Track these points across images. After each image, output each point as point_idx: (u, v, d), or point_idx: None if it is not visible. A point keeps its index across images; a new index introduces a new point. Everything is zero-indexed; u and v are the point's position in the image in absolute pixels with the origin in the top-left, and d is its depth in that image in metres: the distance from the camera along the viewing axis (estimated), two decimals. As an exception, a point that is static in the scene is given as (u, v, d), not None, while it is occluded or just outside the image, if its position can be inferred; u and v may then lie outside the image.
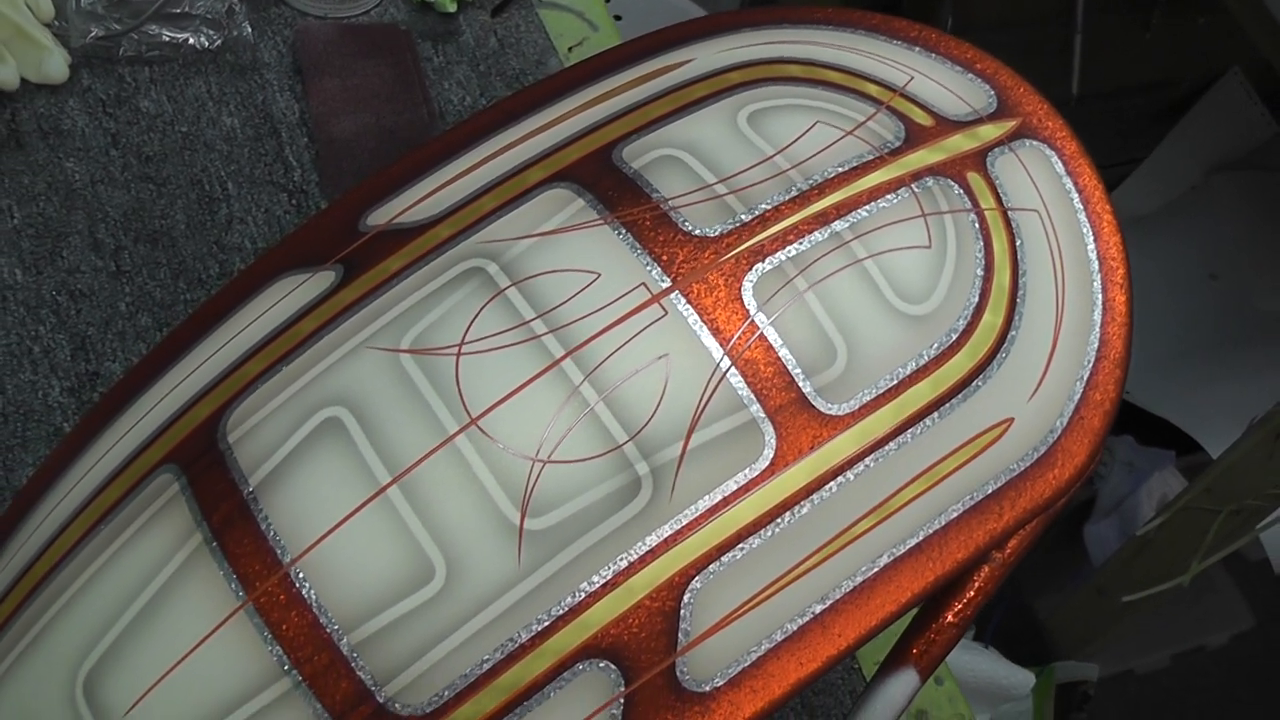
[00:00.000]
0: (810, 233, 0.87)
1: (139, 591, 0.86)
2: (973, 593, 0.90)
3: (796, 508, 0.84)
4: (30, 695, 0.88)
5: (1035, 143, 0.97)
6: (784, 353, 0.84)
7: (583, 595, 0.82)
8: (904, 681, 0.91)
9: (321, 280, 0.91)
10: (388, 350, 0.85)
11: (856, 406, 0.85)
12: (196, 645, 0.84)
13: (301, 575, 0.82)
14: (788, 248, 0.86)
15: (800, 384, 0.84)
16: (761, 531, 0.83)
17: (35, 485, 0.96)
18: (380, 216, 0.93)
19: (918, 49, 1.02)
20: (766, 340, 0.84)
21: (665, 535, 0.82)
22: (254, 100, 1.47)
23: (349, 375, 0.85)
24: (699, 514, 0.83)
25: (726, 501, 0.83)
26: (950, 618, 0.91)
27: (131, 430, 0.94)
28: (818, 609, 0.85)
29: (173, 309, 1.33)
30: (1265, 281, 2.98)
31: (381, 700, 0.81)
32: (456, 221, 0.90)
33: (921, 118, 0.94)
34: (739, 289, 0.85)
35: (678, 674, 0.82)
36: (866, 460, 0.86)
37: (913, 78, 0.98)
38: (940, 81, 0.99)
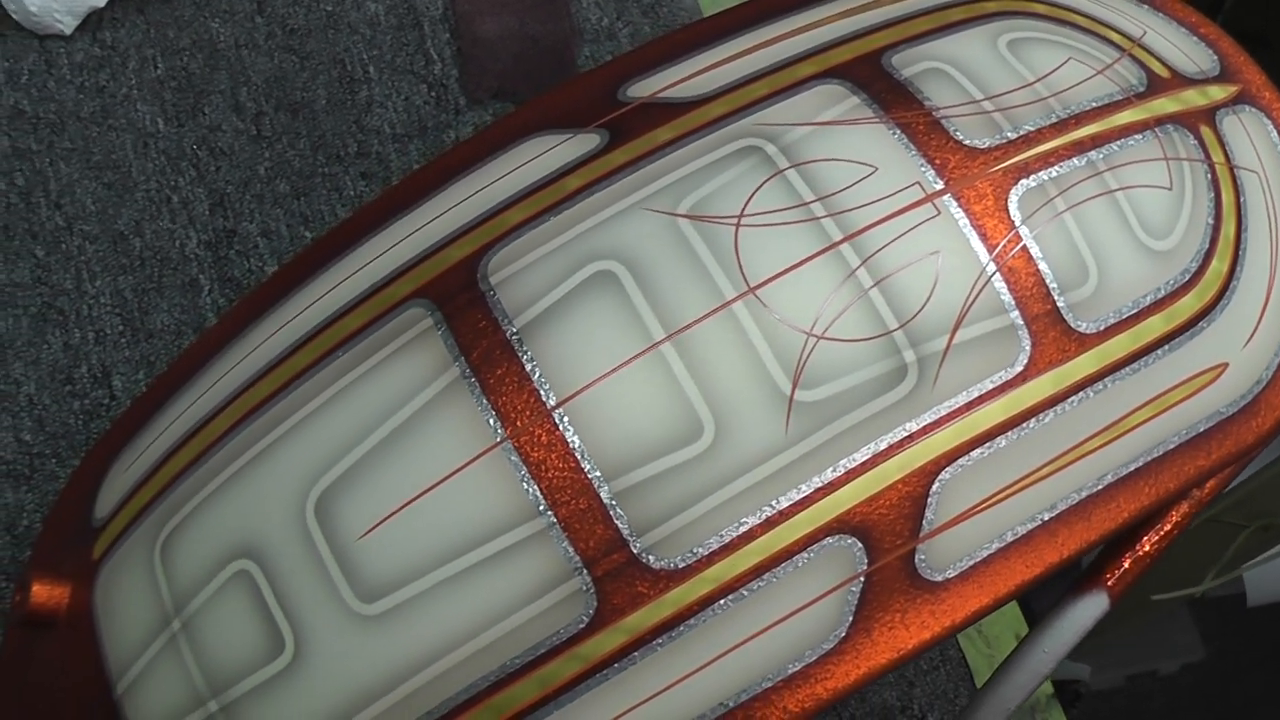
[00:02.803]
0: (1069, 158, 0.90)
1: (385, 418, 0.87)
2: (1170, 525, 0.94)
3: (1041, 415, 0.87)
4: (254, 509, 0.88)
5: (1254, 110, 1.01)
6: (1043, 266, 0.87)
7: (841, 471, 0.83)
8: (1094, 604, 0.95)
9: (584, 142, 0.92)
10: (664, 213, 0.86)
11: (1101, 328, 0.88)
12: (446, 476, 0.85)
13: (566, 419, 0.83)
14: (1049, 169, 0.89)
15: (1055, 298, 0.87)
16: (1008, 433, 0.86)
17: (254, 304, 0.96)
18: (643, 89, 0.94)
19: (1146, 6, 1.06)
20: (1028, 252, 0.87)
21: (924, 423, 0.85)
22: (395, -9, 1.47)
23: (624, 232, 0.87)
24: (956, 407, 0.85)
25: (982, 399, 0.85)
26: (1147, 547, 0.94)
27: (371, 264, 0.94)
28: (1045, 516, 0.88)
29: (311, 180, 1.32)
30: None
31: (635, 550, 0.83)
32: (728, 102, 0.92)
33: (1159, 69, 0.98)
34: (1005, 200, 0.88)
35: (916, 560, 0.84)
36: (1104, 381, 0.89)
37: (1145, 32, 1.02)
38: (1170, 39, 1.03)
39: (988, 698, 0.95)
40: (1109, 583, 0.94)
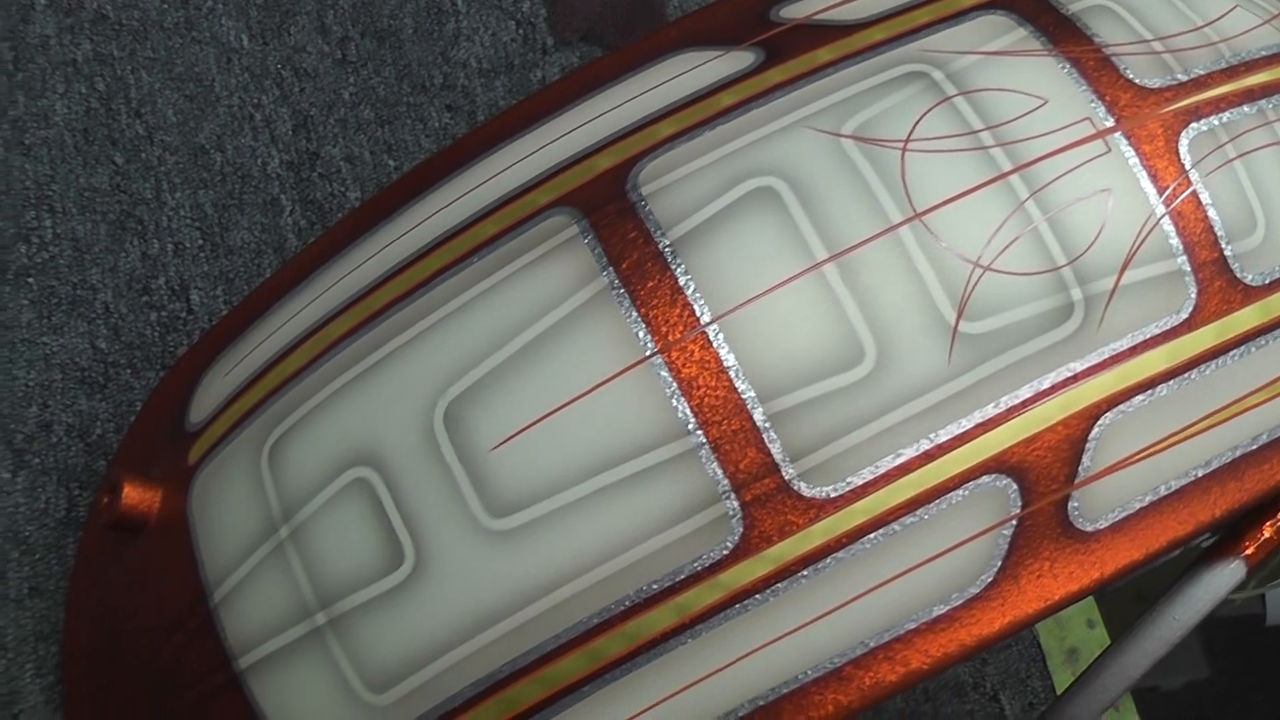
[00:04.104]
0: (1239, 105, 0.87)
1: (524, 326, 0.83)
2: (1316, 496, 0.91)
3: (1204, 366, 0.83)
4: (376, 415, 0.84)
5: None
6: (1212, 213, 0.84)
7: (1002, 408, 0.80)
8: (1230, 571, 0.91)
9: (737, 60, 0.88)
10: (828, 133, 0.83)
11: (1267, 281, 0.85)
12: (590, 389, 0.81)
13: (721, 336, 0.80)
14: (1219, 114, 0.86)
15: (1223, 246, 0.84)
16: (1169, 383, 0.83)
17: (373, 210, 0.92)
18: (797, 10, 0.91)
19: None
20: (1197, 197, 0.84)
21: (1088, 364, 0.81)
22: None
23: (785, 149, 0.83)
24: (1121, 350, 0.82)
25: (1146, 345, 0.82)
26: (1289, 518, 0.91)
27: (506, 172, 0.91)
28: (1200, 473, 0.84)
29: (395, 108, 1.28)
30: None
31: (787, 477, 0.79)
32: (889, 28, 0.89)
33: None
34: (1176, 143, 0.85)
35: (1069, 508, 0.81)
36: (1267, 336, 0.86)
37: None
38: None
39: (1113, 664, 0.91)
40: (1247, 551, 0.91)
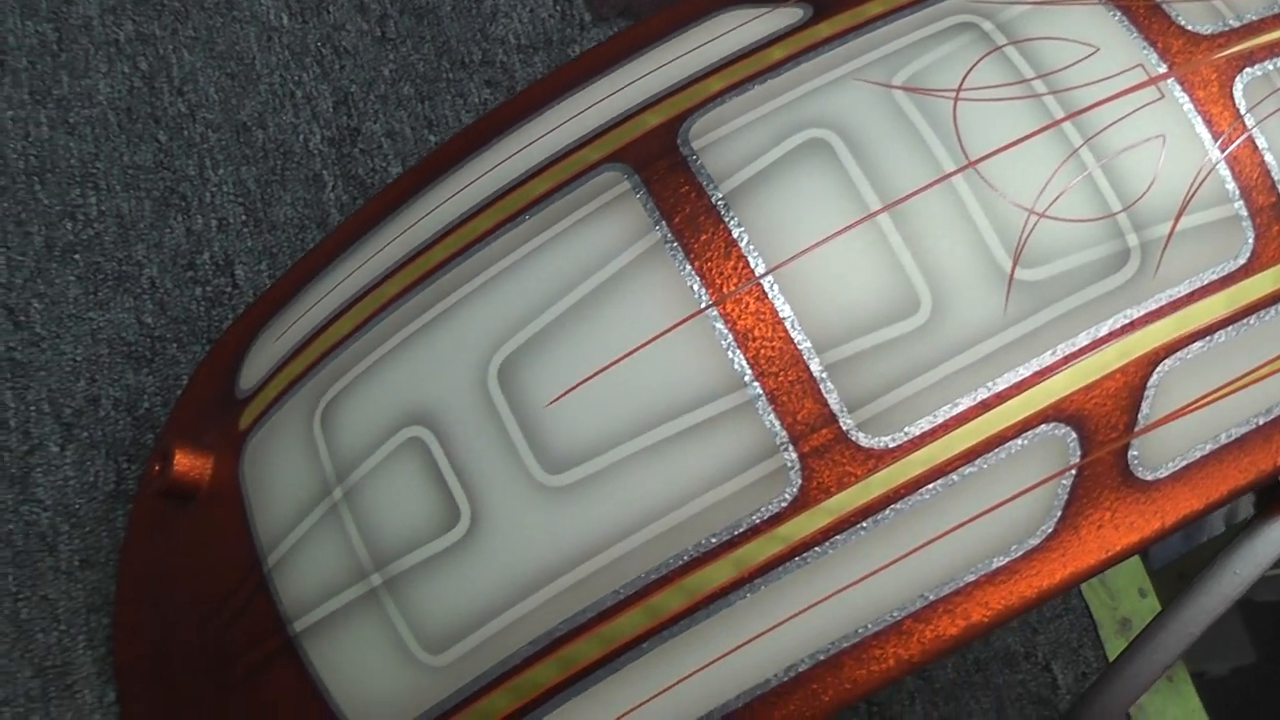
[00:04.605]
0: (1293, 50, 0.86)
1: (578, 282, 0.82)
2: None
3: (1263, 312, 0.82)
4: (428, 375, 0.84)
5: None
6: (1268, 157, 0.83)
7: (1060, 355, 0.79)
8: (1292, 525, 0.90)
9: (785, 15, 0.88)
10: (879, 84, 0.82)
11: (1325, 226, 0.84)
12: (645, 343, 0.80)
13: (776, 287, 0.79)
14: (1275, 59, 0.86)
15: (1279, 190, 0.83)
16: (1228, 329, 0.82)
17: (418, 176, 0.92)
18: (844, -35, 0.90)
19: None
20: (1253, 142, 0.83)
21: (1145, 311, 0.80)
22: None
23: (836, 102, 0.83)
24: (1178, 296, 0.81)
25: (1205, 290, 0.81)
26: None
27: (555, 131, 0.90)
28: (1261, 420, 0.84)
29: (435, 84, 1.28)
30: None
31: (844, 427, 0.78)
32: (937, -22, 0.88)
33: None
34: (1230, 88, 0.84)
35: (1129, 456, 0.80)
36: (1326, 282, 0.84)
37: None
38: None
39: (1172, 622, 0.90)
40: (1311, 506, 0.90)
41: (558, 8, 1.38)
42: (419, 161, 0.94)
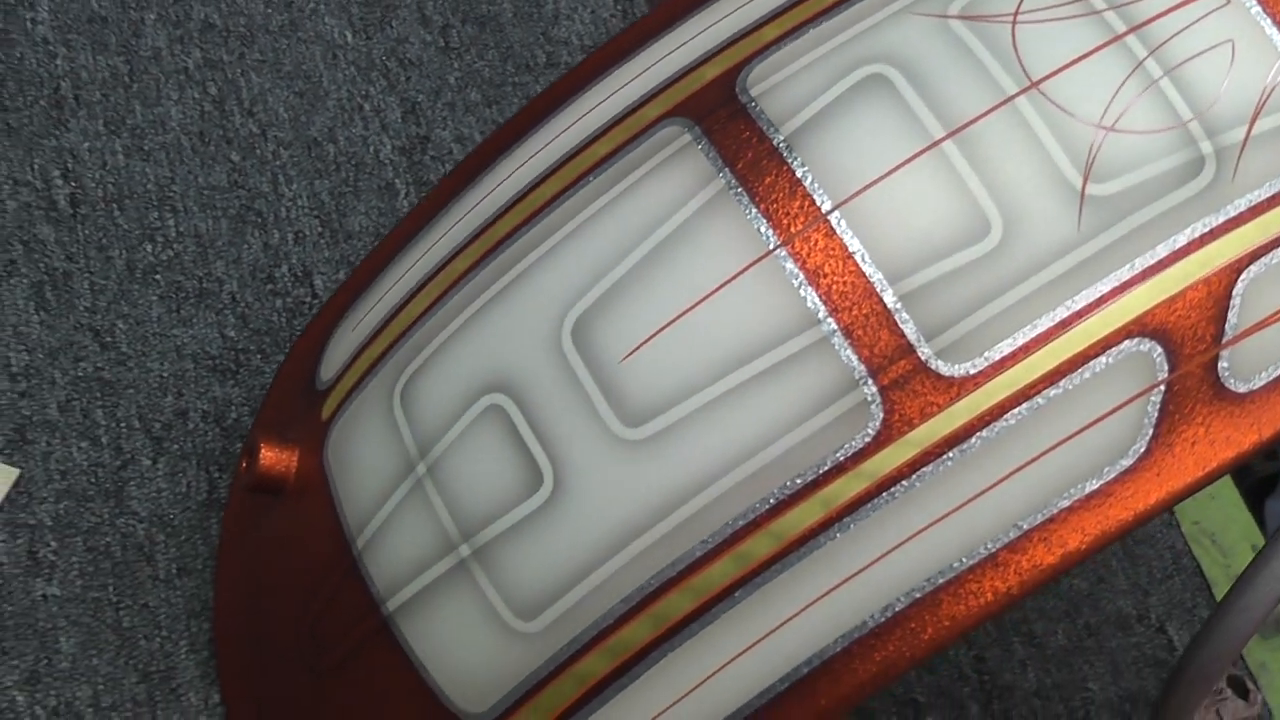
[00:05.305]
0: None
1: (645, 235, 0.82)
2: None
3: (1351, 211, 0.79)
4: (503, 342, 0.84)
5: None
6: (1342, 55, 0.80)
7: (1138, 269, 0.77)
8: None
9: (836, -40, 0.87)
10: (935, 16, 0.81)
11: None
12: (715, 289, 0.79)
13: (843, 222, 0.78)
14: (1340, -42, 0.83)
15: (1356, 90, 0.80)
16: (1314, 232, 0.79)
17: (479, 158, 0.93)
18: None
19: None
20: (1325, 41, 0.80)
21: (1225, 218, 0.78)
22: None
23: (893, 36, 0.82)
24: (1258, 201, 0.79)
25: (1285, 194, 0.79)
26: None
27: (612, 96, 0.91)
28: (1357, 323, 0.80)
29: (502, 89, 1.29)
30: None
31: (923, 356, 0.77)
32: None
33: None
34: (1298, -12, 0.82)
35: (1219, 369, 0.78)
36: None
37: None
38: None
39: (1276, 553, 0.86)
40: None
41: (619, 7, 1.39)
42: (476, 146, 0.95)
